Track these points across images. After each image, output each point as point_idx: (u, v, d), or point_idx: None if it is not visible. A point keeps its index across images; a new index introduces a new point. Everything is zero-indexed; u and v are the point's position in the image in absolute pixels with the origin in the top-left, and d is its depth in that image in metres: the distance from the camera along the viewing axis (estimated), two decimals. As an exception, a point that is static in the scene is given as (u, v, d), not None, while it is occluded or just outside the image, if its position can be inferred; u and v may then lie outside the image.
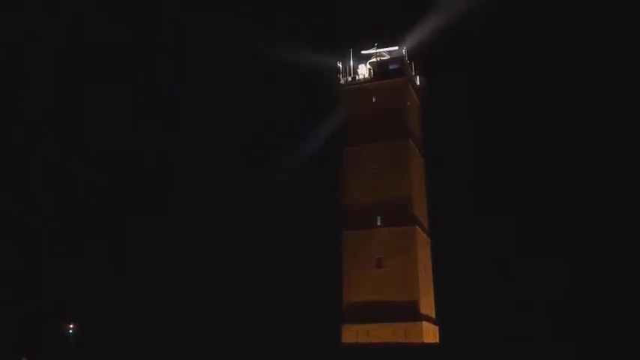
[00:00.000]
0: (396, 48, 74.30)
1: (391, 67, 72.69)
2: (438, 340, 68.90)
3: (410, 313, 63.86)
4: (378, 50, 74.40)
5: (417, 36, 74.47)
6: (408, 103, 71.89)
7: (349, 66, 73.50)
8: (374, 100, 71.55)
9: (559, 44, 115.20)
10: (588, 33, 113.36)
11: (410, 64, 74.84)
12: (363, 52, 74.72)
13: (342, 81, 73.50)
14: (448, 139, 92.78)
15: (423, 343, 62.77)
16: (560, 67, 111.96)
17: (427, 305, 67.63)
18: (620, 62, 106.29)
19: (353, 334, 65.03)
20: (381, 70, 72.75)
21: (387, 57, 74.21)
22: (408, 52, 74.37)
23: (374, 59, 73.98)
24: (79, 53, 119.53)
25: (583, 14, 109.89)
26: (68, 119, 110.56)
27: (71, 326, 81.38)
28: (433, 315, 69.69)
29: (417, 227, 67.40)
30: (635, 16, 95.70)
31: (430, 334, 66.28)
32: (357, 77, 73.23)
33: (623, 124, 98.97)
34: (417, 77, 76.34)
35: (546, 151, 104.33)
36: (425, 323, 64.50)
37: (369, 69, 73.30)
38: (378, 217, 67.92)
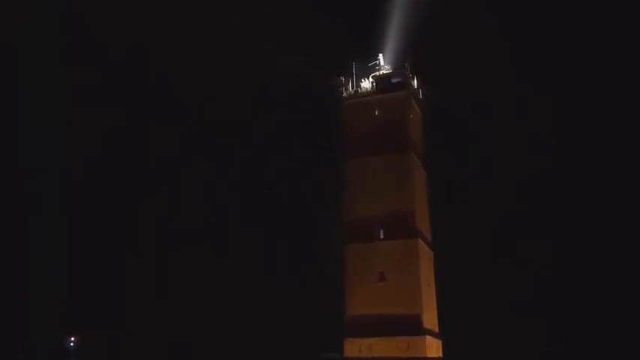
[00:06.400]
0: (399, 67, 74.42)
1: (394, 80, 72.76)
2: (441, 354, 68.50)
3: (413, 326, 63.42)
4: (381, 64, 74.52)
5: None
6: (411, 116, 71.93)
7: (352, 79, 73.68)
8: (376, 113, 71.55)
9: (559, 48, 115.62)
10: (586, 33, 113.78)
11: (412, 76, 74.93)
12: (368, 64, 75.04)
13: (344, 94, 73.60)
14: (451, 150, 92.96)
15: (426, 357, 62.38)
16: (561, 71, 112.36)
17: (430, 319, 67.24)
18: (619, 61, 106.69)
19: (355, 348, 64.62)
20: (383, 83, 72.84)
21: (390, 70, 74.36)
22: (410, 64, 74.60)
23: (377, 72, 74.12)
24: (77, 53, 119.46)
25: (582, 14, 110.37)
26: (65, 120, 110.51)
27: (72, 339, 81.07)
28: (436, 329, 69.28)
29: (420, 240, 67.14)
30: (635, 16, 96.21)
31: (433, 348, 65.85)
32: (359, 90, 73.36)
33: (625, 124, 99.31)
34: (420, 90, 76.49)
35: (549, 157, 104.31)
36: (428, 337, 64.08)
37: (372, 82, 73.41)
38: (381, 230, 67.72)
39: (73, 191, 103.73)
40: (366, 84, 73.53)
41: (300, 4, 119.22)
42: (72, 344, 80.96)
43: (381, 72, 74.11)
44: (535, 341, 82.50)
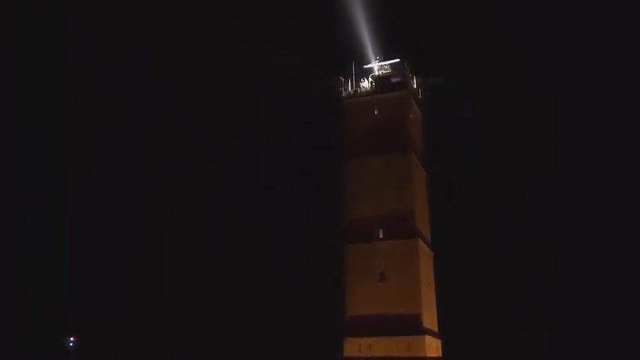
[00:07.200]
0: (398, 60, 74.31)
1: (393, 80, 72.73)
2: (440, 354, 68.51)
3: (412, 326, 63.44)
4: (380, 63, 74.46)
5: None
6: (411, 116, 71.93)
7: (352, 79, 73.65)
8: (376, 112, 71.55)
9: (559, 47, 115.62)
10: (586, 33, 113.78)
11: (412, 76, 74.89)
12: (365, 65, 74.92)
13: (344, 94, 73.59)
14: (451, 150, 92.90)
15: (425, 356, 62.41)
16: (561, 71, 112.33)
17: (430, 319, 67.26)
18: (618, 61, 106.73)
19: (355, 347, 64.64)
20: (383, 83, 72.81)
21: (390, 70, 74.28)
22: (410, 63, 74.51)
23: (376, 72, 74.08)
24: (77, 53, 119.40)
25: (582, 14, 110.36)
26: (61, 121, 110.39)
27: (72, 339, 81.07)
28: (436, 328, 69.31)
29: (420, 240, 67.15)
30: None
31: (433, 347, 65.88)
32: (359, 90, 73.33)
33: (625, 124, 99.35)
34: (419, 90, 76.44)
35: (549, 157, 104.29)
36: (427, 337, 64.12)
37: (371, 82, 73.39)
38: (380, 230, 67.73)
39: (73, 191, 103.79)
40: (366, 84, 73.51)
41: (300, 4, 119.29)
42: (72, 344, 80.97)
43: (380, 71, 74.06)
44: (535, 341, 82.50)
